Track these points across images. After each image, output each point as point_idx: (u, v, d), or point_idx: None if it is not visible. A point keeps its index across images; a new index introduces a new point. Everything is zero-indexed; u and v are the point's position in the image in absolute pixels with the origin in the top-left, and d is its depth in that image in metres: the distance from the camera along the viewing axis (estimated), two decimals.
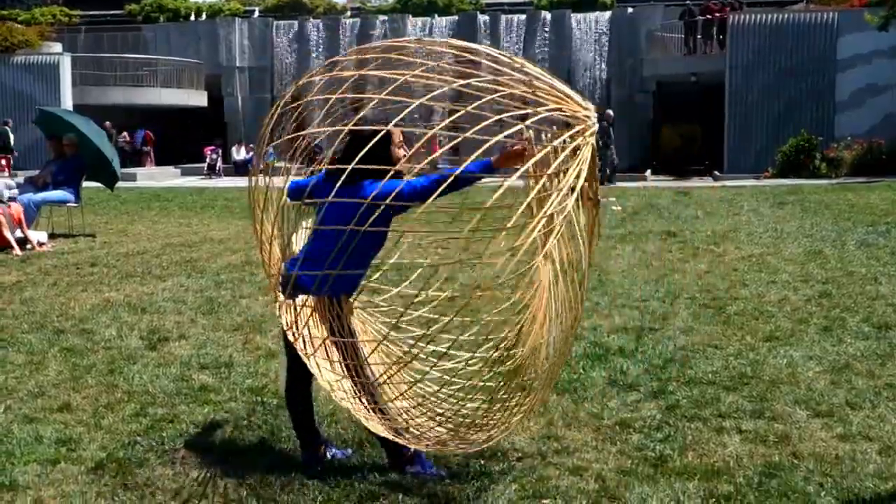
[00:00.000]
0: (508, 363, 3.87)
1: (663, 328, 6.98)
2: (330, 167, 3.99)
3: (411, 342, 4.21)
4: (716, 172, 26.45)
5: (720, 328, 6.97)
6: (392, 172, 3.62)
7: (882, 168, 22.84)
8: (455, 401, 4.16)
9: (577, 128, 3.47)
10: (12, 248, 11.35)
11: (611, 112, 25.38)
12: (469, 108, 3.42)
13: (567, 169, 3.43)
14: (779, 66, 25.77)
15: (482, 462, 4.30)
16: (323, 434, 4.49)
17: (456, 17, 34.63)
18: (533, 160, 3.57)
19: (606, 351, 6.28)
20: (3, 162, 25.29)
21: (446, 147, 3.74)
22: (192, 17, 37.20)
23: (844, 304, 7.77)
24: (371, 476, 4.11)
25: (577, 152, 3.43)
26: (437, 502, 3.86)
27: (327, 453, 4.30)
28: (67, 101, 29.29)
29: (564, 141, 3.48)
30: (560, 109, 3.51)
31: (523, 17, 34.11)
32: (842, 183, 21.38)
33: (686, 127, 35.02)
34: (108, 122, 27.28)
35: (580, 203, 3.63)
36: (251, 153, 31.25)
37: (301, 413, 4.27)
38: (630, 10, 33.45)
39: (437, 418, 4.10)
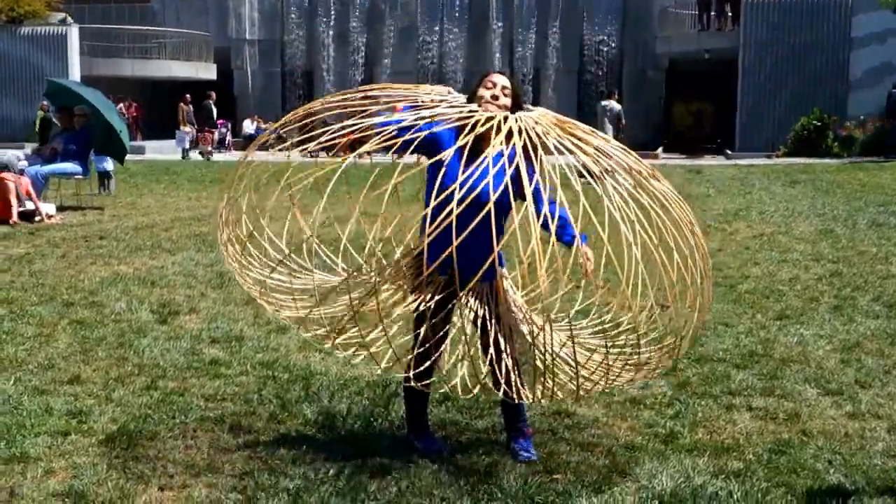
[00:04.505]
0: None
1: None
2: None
3: None
4: (728, 150, 26.30)
5: (731, 306, 6.95)
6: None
7: (895, 148, 22.61)
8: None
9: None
10: (11, 217, 11.33)
11: None
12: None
13: None
14: (792, 43, 25.52)
15: (493, 437, 4.31)
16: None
17: None
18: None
19: (617, 328, 6.25)
20: (208, 135, 26.17)
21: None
22: None
23: (855, 283, 7.74)
24: (382, 450, 4.12)
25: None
26: (450, 476, 3.86)
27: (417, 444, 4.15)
28: (75, 73, 29.14)
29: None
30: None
31: None
32: (854, 162, 21.25)
33: (698, 104, 34.81)
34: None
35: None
36: (260, 128, 31.15)
37: (416, 399, 4.16)
38: None
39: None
